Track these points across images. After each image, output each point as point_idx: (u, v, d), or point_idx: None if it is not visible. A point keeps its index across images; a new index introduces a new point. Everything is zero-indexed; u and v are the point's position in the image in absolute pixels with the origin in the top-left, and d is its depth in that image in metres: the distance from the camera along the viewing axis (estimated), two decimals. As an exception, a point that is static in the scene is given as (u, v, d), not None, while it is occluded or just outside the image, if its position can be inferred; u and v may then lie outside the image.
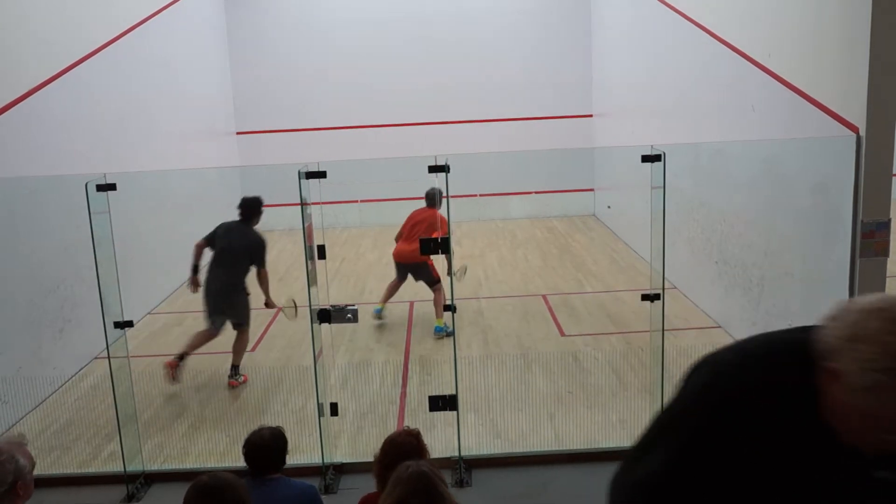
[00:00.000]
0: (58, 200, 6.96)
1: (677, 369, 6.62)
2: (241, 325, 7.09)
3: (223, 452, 5.65)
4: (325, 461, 5.29)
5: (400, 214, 14.10)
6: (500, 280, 10.27)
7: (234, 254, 6.94)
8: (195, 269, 7.10)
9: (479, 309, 8.93)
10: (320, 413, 5.30)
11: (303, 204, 5.11)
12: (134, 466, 5.37)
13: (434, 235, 7.84)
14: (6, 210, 6.52)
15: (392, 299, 8.81)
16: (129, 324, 5.37)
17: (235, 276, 6.96)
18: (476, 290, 9.71)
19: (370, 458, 3.41)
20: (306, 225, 5.23)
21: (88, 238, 5.06)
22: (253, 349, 7.97)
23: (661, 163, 5.07)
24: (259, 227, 8.06)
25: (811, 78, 5.89)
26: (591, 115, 14.21)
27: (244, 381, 7.07)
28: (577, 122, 14.28)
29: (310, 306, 5.23)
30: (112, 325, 5.21)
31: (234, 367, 7.07)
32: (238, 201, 7.13)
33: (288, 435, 3.76)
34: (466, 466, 5.33)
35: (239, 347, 7.08)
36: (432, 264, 8.33)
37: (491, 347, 7.68)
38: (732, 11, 7.50)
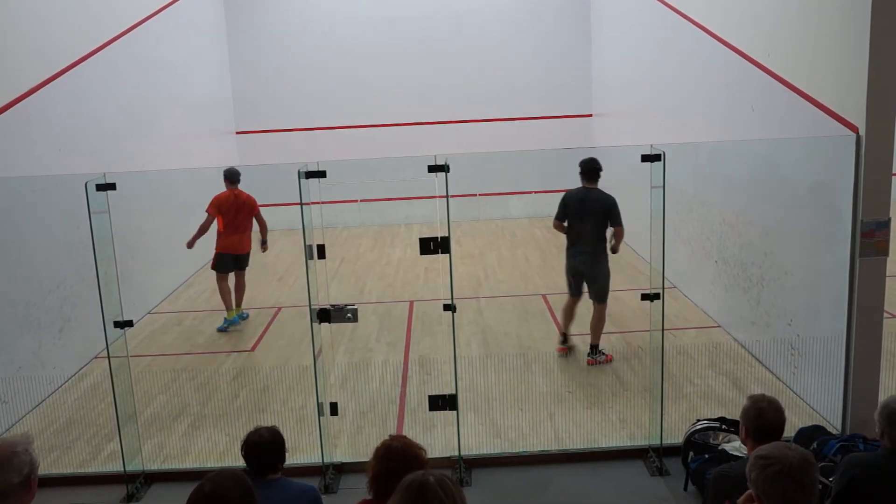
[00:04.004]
0: (58, 200, 6.96)
1: (677, 368, 6.65)
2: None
3: (223, 452, 5.65)
4: (325, 461, 5.29)
5: (400, 214, 14.24)
6: (500, 279, 10.28)
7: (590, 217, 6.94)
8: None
9: (478, 308, 8.93)
10: (320, 412, 5.30)
11: (302, 204, 5.11)
12: (134, 466, 5.37)
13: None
14: (6, 210, 6.51)
15: (392, 299, 8.79)
16: (129, 323, 5.36)
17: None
18: (476, 290, 9.72)
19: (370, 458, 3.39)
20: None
21: (88, 238, 5.06)
22: (252, 349, 7.98)
23: (661, 162, 5.07)
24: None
25: (811, 77, 5.89)
26: (590, 115, 14.22)
27: (608, 360, 7.02)
28: (576, 122, 14.28)
29: (310, 306, 5.23)
30: (112, 324, 5.21)
31: (592, 347, 7.07)
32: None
33: (288, 434, 3.76)
34: (466, 466, 5.33)
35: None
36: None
37: (491, 347, 7.68)
38: (732, 11, 7.50)
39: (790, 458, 2.42)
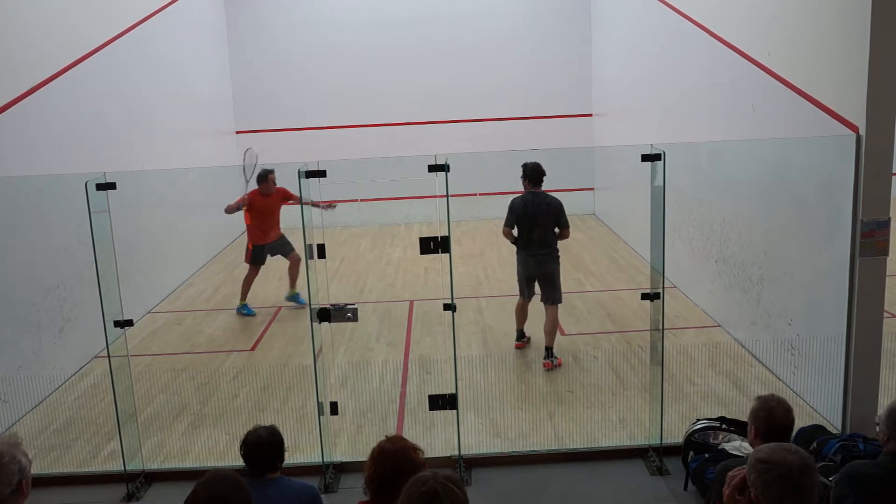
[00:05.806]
0: (58, 200, 6.96)
1: (677, 368, 6.65)
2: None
3: (223, 451, 5.64)
4: (325, 460, 5.29)
5: (400, 214, 14.22)
6: (500, 279, 10.26)
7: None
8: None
9: (478, 308, 8.93)
10: (320, 412, 5.30)
11: (303, 204, 5.11)
12: (134, 465, 5.37)
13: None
14: (6, 210, 6.51)
15: (392, 298, 8.76)
16: (129, 323, 5.36)
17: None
18: (476, 290, 9.71)
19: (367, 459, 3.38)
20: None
21: (88, 237, 5.06)
22: (252, 348, 7.98)
23: (661, 162, 5.08)
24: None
25: (811, 77, 5.89)
26: (590, 115, 14.21)
27: (559, 365, 6.99)
28: (577, 122, 14.27)
29: (310, 305, 5.23)
30: (112, 324, 5.21)
31: (548, 349, 7.05)
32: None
33: (288, 434, 3.76)
34: (466, 465, 5.33)
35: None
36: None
37: (491, 347, 7.68)
38: (732, 11, 7.50)
39: (790, 462, 2.41)
